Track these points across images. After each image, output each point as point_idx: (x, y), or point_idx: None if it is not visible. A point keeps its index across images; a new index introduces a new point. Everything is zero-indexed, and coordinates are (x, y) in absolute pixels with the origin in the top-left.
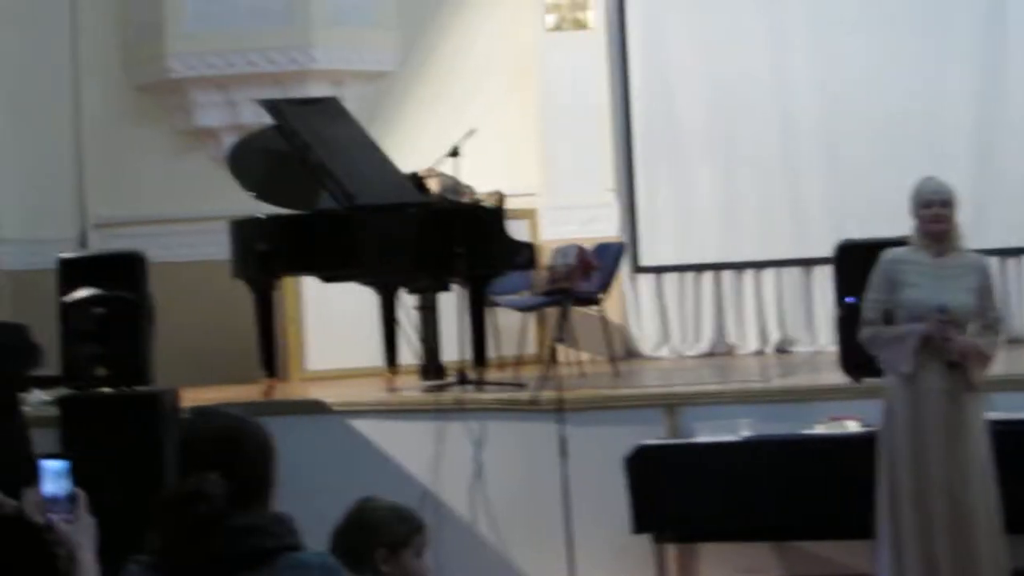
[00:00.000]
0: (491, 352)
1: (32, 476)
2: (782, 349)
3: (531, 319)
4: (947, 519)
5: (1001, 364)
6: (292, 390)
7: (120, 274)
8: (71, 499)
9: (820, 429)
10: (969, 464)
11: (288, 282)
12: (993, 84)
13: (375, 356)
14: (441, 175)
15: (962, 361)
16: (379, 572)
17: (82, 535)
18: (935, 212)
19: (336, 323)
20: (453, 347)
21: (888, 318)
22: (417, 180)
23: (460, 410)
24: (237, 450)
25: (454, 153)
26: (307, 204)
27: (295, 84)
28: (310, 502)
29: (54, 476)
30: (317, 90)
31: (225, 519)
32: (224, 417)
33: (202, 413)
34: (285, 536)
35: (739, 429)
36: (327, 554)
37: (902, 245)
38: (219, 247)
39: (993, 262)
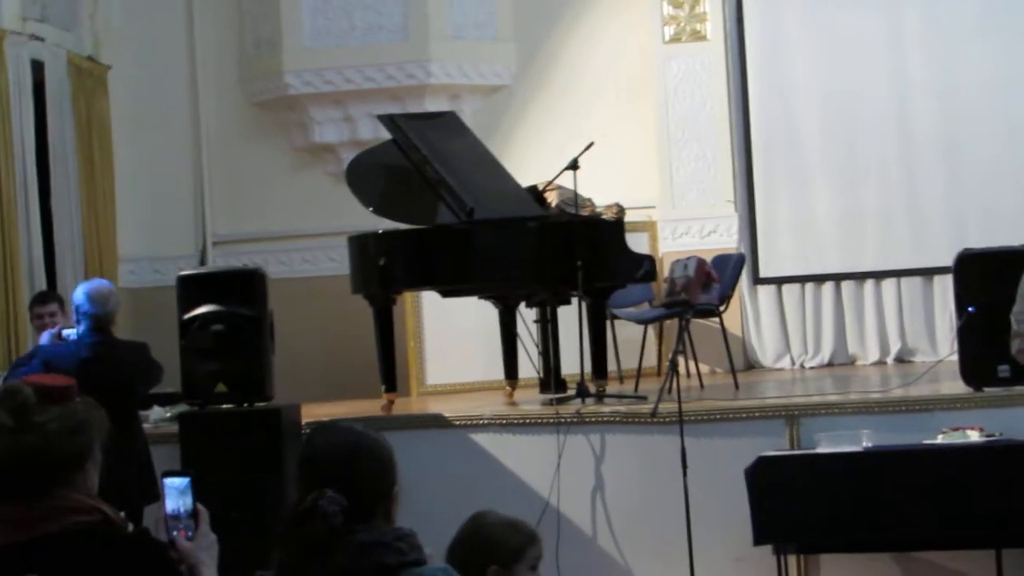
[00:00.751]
0: (611, 365)
1: (152, 493)
2: (903, 359)
3: (651, 331)
4: None
5: None
6: (412, 404)
7: (239, 290)
8: (193, 515)
9: (941, 439)
10: None
11: (408, 297)
12: None
13: (495, 370)
14: (560, 188)
15: None
16: None
17: (204, 552)
18: None
19: (456, 337)
20: (573, 360)
21: None
22: (536, 193)
23: (580, 423)
24: (357, 465)
25: (573, 166)
26: (426, 219)
27: (412, 99)
28: (431, 516)
29: (176, 493)
30: (434, 104)
31: (348, 535)
32: (345, 432)
33: (323, 428)
34: (408, 552)
35: (860, 440)
36: (450, 569)
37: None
38: (338, 263)
39: None
